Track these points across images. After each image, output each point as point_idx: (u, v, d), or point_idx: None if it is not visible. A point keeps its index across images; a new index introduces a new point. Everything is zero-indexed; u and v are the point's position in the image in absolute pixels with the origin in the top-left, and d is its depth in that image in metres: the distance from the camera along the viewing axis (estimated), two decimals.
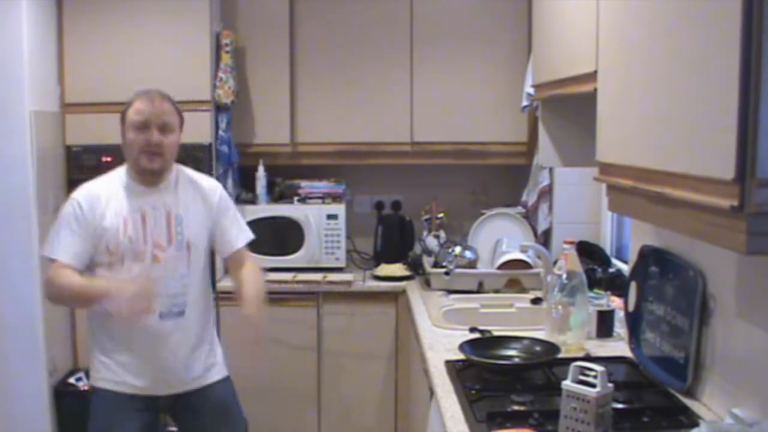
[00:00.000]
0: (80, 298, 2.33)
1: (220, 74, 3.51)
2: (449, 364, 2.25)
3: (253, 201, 3.78)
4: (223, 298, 3.50)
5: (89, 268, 2.33)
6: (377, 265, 3.76)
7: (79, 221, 2.30)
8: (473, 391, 1.98)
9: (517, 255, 3.31)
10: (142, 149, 2.31)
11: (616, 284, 2.87)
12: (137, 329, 2.28)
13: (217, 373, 2.52)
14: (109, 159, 3.46)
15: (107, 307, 2.16)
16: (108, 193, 2.35)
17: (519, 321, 2.89)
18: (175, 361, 2.40)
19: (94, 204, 2.32)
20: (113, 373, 2.38)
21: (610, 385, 1.65)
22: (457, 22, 3.71)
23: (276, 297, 3.51)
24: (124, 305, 2.13)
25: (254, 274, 2.50)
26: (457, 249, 3.39)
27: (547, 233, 3.56)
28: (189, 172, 2.50)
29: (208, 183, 2.54)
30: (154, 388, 2.41)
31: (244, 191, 3.84)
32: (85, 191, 2.35)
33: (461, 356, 2.23)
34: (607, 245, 3.39)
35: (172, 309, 2.36)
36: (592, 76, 1.93)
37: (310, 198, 3.77)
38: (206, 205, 2.46)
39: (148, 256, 2.33)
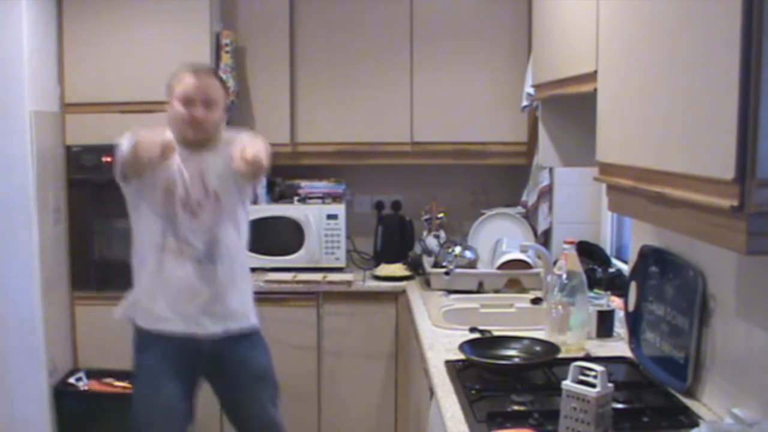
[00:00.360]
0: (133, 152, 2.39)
1: (220, 74, 3.51)
2: (449, 364, 2.25)
3: (253, 201, 3.76)
4: None
5: (139, 207, 2.49)
6: (377, 265, 3.76)
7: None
8: (473, 391, 1.98)
9: (517, 255, 3.31)
10: (186, 121, 2.45)
11: (616, 284, 2.87)
12: (179, 269, 2.48)
13: (250, 322, 2.64)
14: (109, 159, 3.46)
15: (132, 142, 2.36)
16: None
17: (519, 321, 2.89)
18: (205, 306, 2.52)
19: None
20: (153, 315, 2.51)
21: (610, 385, 1.65)
22: (457, 22, 3.71)
23: (276, 297, 3.53)
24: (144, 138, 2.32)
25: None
26: (457, 249, 3.39)
27: (547, 233, 3.56)
28: (233, 133, 2.57)
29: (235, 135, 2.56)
30: (190, 333, 2.51)
31: None
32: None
33: (461, 356, 2.23)
34: (607, 245, 3.39)
35: (210, 257, 2.52)
36: (592, 76, 1.93)
37: (310, 198, 3.77)
38: (224, 156, 2.51)
39: (190, 204, 2.48)
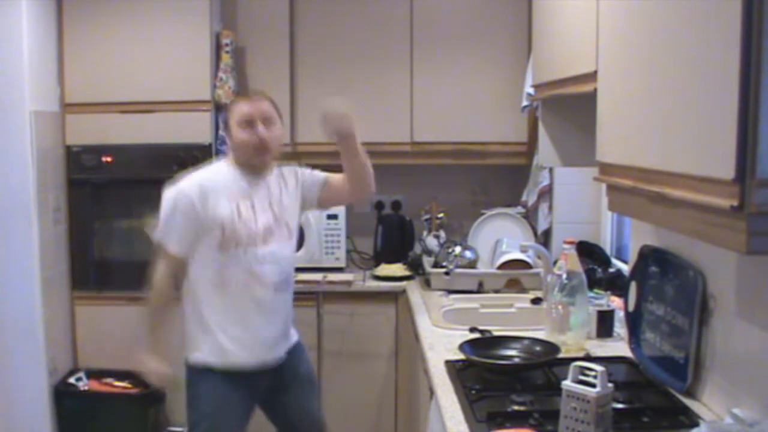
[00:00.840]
0: (145, 326, 2.48)
1: (220, 74, 3.51)
2: (449, 364, 2.25)
3: None
4: None
5: (197, 248, 2.44)
6: (377, 265, 3.76)
7: (183, 212, 2.40)
8: (473, 391, 1.98)
9: (517, 255, 3.31)
10: (253, 146, 2.44)
11: (616, 284, 2.87)
12: (253, 301, 2.45)
13: (297, 335, 2.68)
14: (109, 159, 3.48)
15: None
16: (218, 182, 2.46)
17: (519, 321, 2.89)
18: (278, 333, 2.54)
19: (205, 194, 2.41)
20: (222, 351, 2.46)
21: (610, 385, 1.65)
22: (457, 22, 3.71)
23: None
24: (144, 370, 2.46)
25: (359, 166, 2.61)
26: (457, 249, 3.39)
27: (547, 233, 3.56)
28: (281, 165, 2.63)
29: (290, 168, 2.67)
30: (261, 361, 2.50)
31: None
32: (195, 182, 2.45)
33: (461, 356, 2.23)
34: (607, 245, 3.39)
35: (283, 284, 2.52)
36: (592, 76, 1.93)
37: None
38: (296, 184, 2.61)
39: (259, 237, 2.45)
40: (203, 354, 2.47)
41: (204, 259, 2.44)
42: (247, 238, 2.43)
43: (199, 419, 2.48)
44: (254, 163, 2.48)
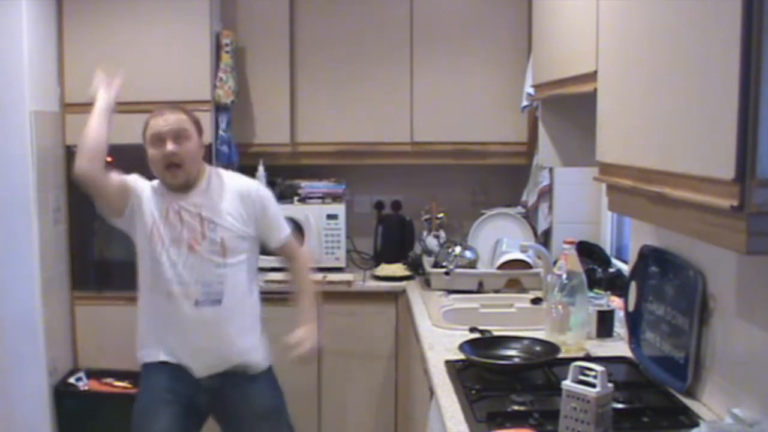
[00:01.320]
0: (92, 124, 2.50)
1: (220, 74, 3.51)
2: (449, 364, 2.25)
3: None
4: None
5: (137, 237, 2.53)
6: (377, 265, 3.76)
7: (135, 188, 2.51)
8: (473, 391, 1.98)
9: (517, 255, 3.31)
10: (163, 164, 2.45)
11: (616, 284, 2.87)
12: (177, 315, 2.46)
13: (258, 360, 2.61)
14: (109, 159, 3.46)
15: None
16: (152, 192, 2.52)
17: (519, 321, 2.89)
18: (213, 344, 2.51)
19: (150, 190, 2.51)
20: (160, 351, 2.52)
21: (610, 385, 1.65)
22: (457, 22, 3.71)
23: (276, 297, 3.52)
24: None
25: (306, 280, 2.71)
26: (457, 249, 3.39)
27: (547, 233, 3.56)
28: (224, 174, 2.63)
29: (243, 183, 2.63)
30: (195, 370, 2.51)
31: None
32: (150, 183, 2.55)
33: (461, 356, 2.23)
34: (607, 245, 3.39)
35: (209, 297, 2.48)
36: (592, 76, 1.93)
37: (310, 198, 3.77)
38: (244, 204, 2.55)
39: (184, 245, 2.46)
40: (145, 353, 2.56)
41: (142, 253, 2.51)
42: (169, 241, 2.46)
43: (137, 413, 2.57)
44: (169, 183, 2.48)
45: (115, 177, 2.50)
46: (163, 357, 2.51)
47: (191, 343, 2.50)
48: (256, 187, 2.63)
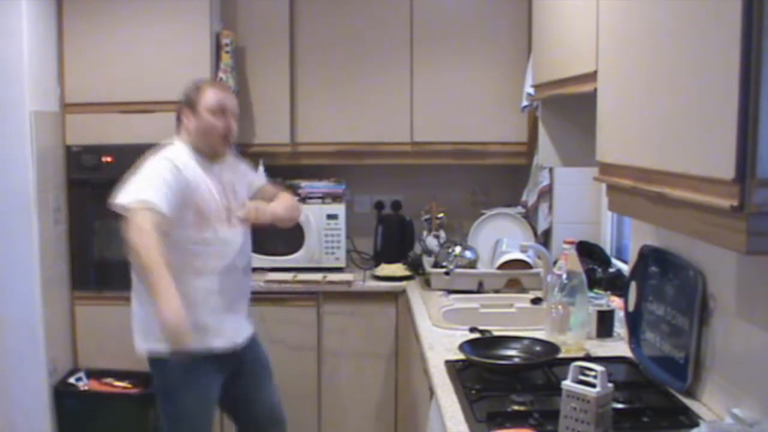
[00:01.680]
0: (145, 275, 2.20)
1: (220, 74, 3.51)
2: (449, 364, 2.25)
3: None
4: None
5: (172, 230, 2.33)
6: (377, 265, 3.76)
7: (174, 175, 2.36)
8: (473, 391, 1.98)
9: (517, 255, 3.31)
10: (221, 135, 2.50)
11: (616, 284, 2.87)
12: (224, 283, 2.50)
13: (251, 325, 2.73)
14: (109, 159, 3.47)
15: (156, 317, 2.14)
16: (187, 162, 2.46)
17: (519, 321, 2.89)
18: (244, 315, 2.65)
19: (183, 166, 2.42)
20: (195, 335, 2.26)
21: (610, 385, 1.65)
22: (457, 22, 3.70)
23: (276, 297, 3.53)
24: (164, 326, 2.11)
25: (286, 196, 2.84)
26: (457, 249, 3.39)
27: (547, 233, 3.56)
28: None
29: (242, 162, 2.79)
30: (234, 339, 2.57)
31: None
32: (172, 156, 2.44)
33: (461, 356, 2.23)
34: (607, 245, 3.39)
35: (247, 266, 2.64)
36: (592, 76, 1.93)
37: (310, 198, 3.77)
38: (244, 175, 2.72)
39: (225, 218, 2.51)
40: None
41: (175, 241, 2.35)
42: (216, 216, 2.47)
43: (182, 412, 2.51)
44: (217, 151, 2.53)
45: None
46: (213, 340, 2.48)
47: (235, 310, 2.57)
48: (238, 156, 2.78)
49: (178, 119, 2.58)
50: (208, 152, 2.52)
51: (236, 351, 2.59)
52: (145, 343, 2.49)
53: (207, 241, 2.47)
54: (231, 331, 2.56)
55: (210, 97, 2.50)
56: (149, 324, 2.36)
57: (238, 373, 2.66)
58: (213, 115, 2.49)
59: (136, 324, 2.53)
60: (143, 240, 2.15)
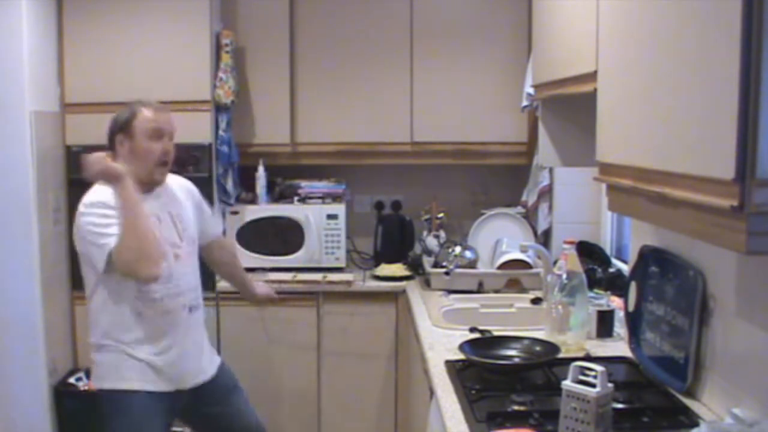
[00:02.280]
0: (130, 213, 2.25)
1: (220, 74, 3.51)
2: (449, 364, 2.25)
3: (253, 201, 3.78)
4: (223, 298, 3.51)
5: (113, 275, 2.30)
6: (377, 265, 3.76)
7: (110, 217, 2.27)
8: (473, 391, 1.98)
9: (517, 255, 3.31)
10: (158, 160, 2.38)
11: (616, 284, 2.87)
12: (170, 321, 2.40)
13: (217, 359, 2.66)
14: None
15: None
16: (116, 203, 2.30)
17: (519, 321, 2.89)
18: (198, 351, 2.52)
19: (109, 217, 2.28)
20: (142, 372, 2.38)
21: (610, 385, 1.65)
22: (457, 22, 3.70)
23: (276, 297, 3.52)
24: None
25: (234, 258, 2.92)
26: (457, 249, 3.39)
27: (547, 233, 3.56)
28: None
29: (186, 182, 2.65)
30: (182, 381, 2.46)
31: (244, 191, 3.84)
32: (98, 199, 2.31)
33: (461, 356, 2.23)
34: (607, 245, 3.39)
35: (195, 302, 2.50)
36: (592, 76, 1.93)
37: (310, 198, 3.77)
38: (193, 201, 2.62)
39: (170, 254, 2.40)
40: (125, 380, 2.38)
41: (120, 287, 2.33)
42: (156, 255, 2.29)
43: None
44: (155, 177, 2.40)
45: None
46: (150, 385, 2.39)
47: (183, 351, 2.44)
48: (193, 186, 2.67)
49: (111, 146, 2.41)
50: (145, 179, 2.38)
51: (192, 389, 2.50)
52: (108, 383, 2.43)
53: (151, 287, 2.34)
54: (179, 373, 2.44)
55: (145, 118, 2.37)
56: (106, 363, 2.41)
57: (200, 406, 2.55)
58: (149, 138, 2.36)
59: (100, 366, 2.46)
60: (125, 244, 2.24)
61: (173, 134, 2.45)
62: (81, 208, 2.33)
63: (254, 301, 2.96)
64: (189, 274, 2.48)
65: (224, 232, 2.84)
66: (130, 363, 2.38)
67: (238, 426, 2.66)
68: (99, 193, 2.34)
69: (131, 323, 2.37)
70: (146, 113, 2.39)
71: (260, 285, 2.94)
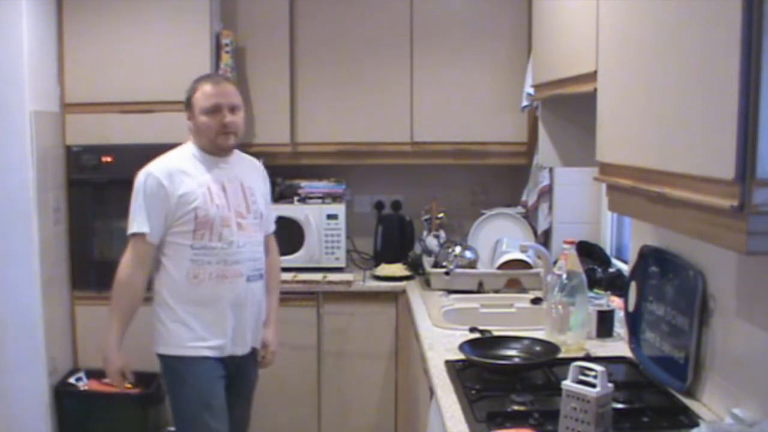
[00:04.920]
0: (111, 308, 2.51)
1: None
2: (449, 364, 2.25)
3: None
4: None
5: (169, 237, 2.47)
6: (377, 265, 3.76)
7: (160, 196, 2.43)
8: (473, 391, 1.98)
9: (517, 255, 3.31)
10: (218, 131, 2.48)
11: (616, 284, 2.87)
12: (227, 290, 2.48)
13: (258, 339, 2.68)
14: (109, 159, 3.47)
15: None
16: (186, 166, 2.49)
17: (519, 321, 2.89)
18: (252, 321, 2.58)
19: (174, 176, 2.45)
20: (198, 336, 2.48)
21: (610, 385, 1.65)
22: (457, 22, 3.71)
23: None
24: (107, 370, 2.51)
25: (277, 278, 2.81)
26: (457, 249, 3.39)
27: (547, 233, 3.56)
28: (238, 150, 2.68)
29: (262, 167, 2.76)
30: (234, 348, 2.54)
31: None
32: (162, 165, 2.48)
33: (461, 356, 2.23)
34: (607, 245, 3.39)
35: (254, 273, 2.56)
36: (592, 76, 1.93)
37: (310, 198, 3.77)
38: (263, 181, 2.71)
39: (233, 222, 2.49)
40: (182, 347, 2.49)
41: (177, 252, 2.47)
42: (221, 222, 2.46)
43: (197, 410, 2.49)
44: (220, 145, 2.51)
45: (150, 253, 2.50)
46: (205, 350, 2.48)
47: (238, 319, 2.52)
48: (266, 172, 2.76)
49: (188, 118, 2.58)
50: (210, 149, 2.52)
51: (236, 361, 2.57)
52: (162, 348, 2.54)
53: (207, 250, 2.46)
54: (234, 341, 2.53)
55: (201, 96, 2.49)
56: (165, 330, 2.52)
57: (234, 378, 2.62)
58: (206, 115, 2.48)
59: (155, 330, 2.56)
60: (117, 288, 2.47)
61: (235, 106, 2.52)
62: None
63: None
64: (252, 244, 2.55)
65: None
66: (183, 329, 2.48)
67: (237, 411, 2.68)
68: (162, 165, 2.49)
69: (187, 287, 2.47)
70: (205, 88, 2.51)
71: (271, 334, 2.73)
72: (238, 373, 2.61)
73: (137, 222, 2.45)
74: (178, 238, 2.46)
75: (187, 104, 2.54)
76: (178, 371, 2.50)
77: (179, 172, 2.46)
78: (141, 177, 2.47)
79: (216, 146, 2.51)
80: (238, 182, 2.55)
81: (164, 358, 2.53)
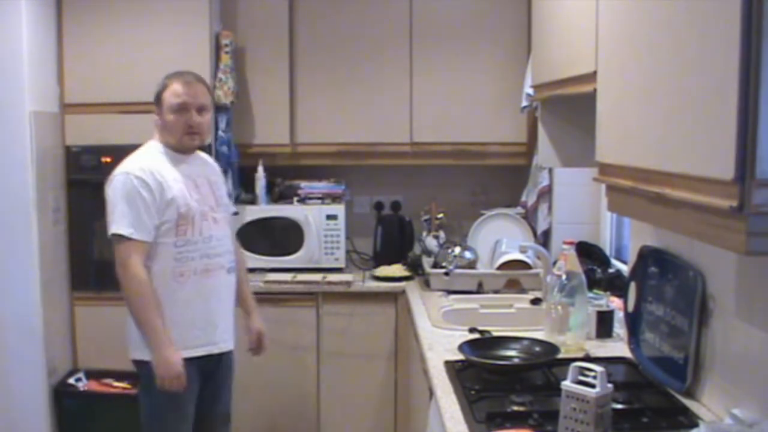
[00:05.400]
0: (140, 319, 2.41)
1: (220, 75, 3.51)
2: (449, 364, 2.25)
3: (252, 201, 3.78)
4: None
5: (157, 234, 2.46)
6: (377, 265, 3.76)
7: (147, 193, 2.42)
8: (473, 392, 1.98)
9: (517, 255, 3.31)
10: (184, 131, 2.50)
11: (616, 284, 2.87)
12: (210, 284, 2.51)
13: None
14: (108, 159, 3.46)
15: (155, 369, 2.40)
16: (159, 164, 2.50)
17: (519, 321, 2.89)
18: (229, 315, 2.61)
19: (154, 175, 2.45)
20: (182, 342, 2.46)
21: (610, 385, 1.65)
22: (457, 22, 3.71)
23: (275, 297, 3.53)
24: (162, 375, 2.40)
25: (244, 270, 2.82)
26: (457, 249, 3.39)
27: (547, 233, 3.56)
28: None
29: (212, 159, 2.84)
30: (214, 346, 2.56)
31: (243, 192, 3.84)
32: (137, 165, 2.47)
33: (461, 356, 2.23)
34: (607, 245, 3.39)
35: (231, 265, 2.60)
36: (592, 76, 1.93)
37: (310, 198, 3.77)
38: (221, 176, 2.74)
39: (209, 217, 2.53)
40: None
41: (160, 253, 2.46)
42: (200, 216, 2.49)
43: (168, 416, 2.50)
44: (184, 144, 2.53)
45: (142, 255, 2.43)
46: (188, 351, 2.47)
47: (220, 312, 2.55)
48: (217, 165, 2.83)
49: (156, 114, 2.60)
50: (176, 147, 2.54)
51: (212, 359, 2.57)
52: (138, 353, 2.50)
53: (189, 246, 2.47)
54: (216, 335, 2.55)
55: (170, 94, 2.51)
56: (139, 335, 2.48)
57: (212, 374, 2.62)
58: (173, 113, 2.50)
59: (129, 334, 2.52)
60: (140, 289, 2.38)
61: (204, 107, 2.54)
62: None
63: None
64: (225, 237, 2.59)
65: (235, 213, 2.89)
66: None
67: (218, 407, 2.68)
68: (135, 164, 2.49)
69: (172, 288, 2.46)
70: (175, 87, 2.52)
71: (256, 322, 2.76)
72: (217, 368, 2.61)
73: (134, 227, 2.40)
74: (161, 237, 2.45)
75: (157, 100, 2.55)
76: (153, 377, 2.44)
77: (156, 170, 2.47)
78: (120, 179, 2.44)
79: (181, 145, 2.54)
80: (204, 178, 2.59)
81: (139, 364, 2.50)
